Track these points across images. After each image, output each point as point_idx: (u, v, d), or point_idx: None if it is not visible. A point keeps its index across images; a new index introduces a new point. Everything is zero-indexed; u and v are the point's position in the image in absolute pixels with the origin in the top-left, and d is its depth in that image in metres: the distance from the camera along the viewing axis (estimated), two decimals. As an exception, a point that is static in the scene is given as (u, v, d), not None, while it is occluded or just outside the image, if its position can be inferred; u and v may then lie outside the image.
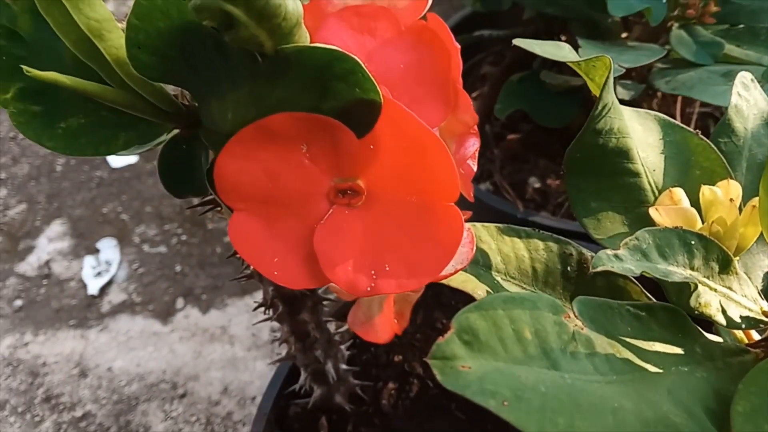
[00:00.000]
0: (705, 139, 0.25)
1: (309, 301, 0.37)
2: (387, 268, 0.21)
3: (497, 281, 0.25)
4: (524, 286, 0.26)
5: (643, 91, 0.42)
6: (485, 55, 0.68)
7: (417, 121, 0.20)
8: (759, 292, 0.22)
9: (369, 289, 0.21)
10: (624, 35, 0.45)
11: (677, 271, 0.20)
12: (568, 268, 0.26)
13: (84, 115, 0.25)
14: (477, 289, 0.24)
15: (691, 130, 0.25)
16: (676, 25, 0.41)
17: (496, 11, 0.56)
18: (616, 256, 0.20)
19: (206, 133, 0.24)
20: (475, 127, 0.25)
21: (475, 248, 0.23)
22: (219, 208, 0.32)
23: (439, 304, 0.49)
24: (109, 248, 0.89)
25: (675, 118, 0.53)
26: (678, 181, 0.24)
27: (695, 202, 0.23)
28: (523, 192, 0.55)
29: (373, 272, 0.21)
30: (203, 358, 0.78)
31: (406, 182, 0.21)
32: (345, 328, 0.42)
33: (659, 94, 0.49)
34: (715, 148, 0.25)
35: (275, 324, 0.80)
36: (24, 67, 0.20)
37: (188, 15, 0.19)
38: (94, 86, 0.22)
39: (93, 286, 0.84)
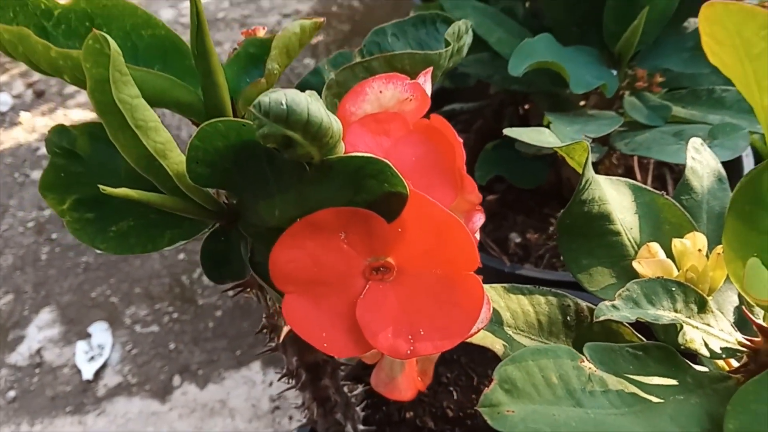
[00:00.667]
0: (670, 198, 0.29)
1: (329, 366, 0.39)
2: (422, 333, 0.24)
3: (509, 335, 0.29)
4: (532, 337, 0.29)
5: (606, 152, 0.47)
6: (456, 125, 0.74)
7: (438, 206, 0.24)
8: (732, 325, 0.26)
9: (409, 352, 0.24)
10: (582, 103, 0.51)
11: (664, 314, 0.24)
12: (568, 318, 0.29)
13: (133, 218, 0.28)
14: (495, 343, 0.27)
15: (657, 191, 0.30)
16: (627, 93, 0.47)
17: (464, 86, 0.61)
18: (614, 306, 0.24)
19: (246, 227, 0.27)
20: (480, 205, 0.29)
21: (491, 310, 0.27)
22: (248, 290, 0.35)
23: (441, 360, 0.52)
24: (100, 332, 0.89)
25: (634, 170, 0.58)
26: (652, 236, 0.29)
27: (669, 253, 0.28)
28: (507, 247, 0.59)
29: (410, 337, 0.24)
30: (204, 435, 0.78)
31: (432, 257, 0.25)
32: (359, 389, 0.45)
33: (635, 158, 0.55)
34: (678, 206, 0.29)
35: (274, 393, 0.82)
36: (100, 186, 0.23)
37: (244, 136, 0.23)
38: (155, 196, 0.25)
39: (87, 371, 0.84)
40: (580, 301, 0.30)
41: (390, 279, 0.25)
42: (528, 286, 0.30)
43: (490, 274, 0.56)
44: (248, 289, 0.34)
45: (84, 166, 0.28)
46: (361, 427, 0.44)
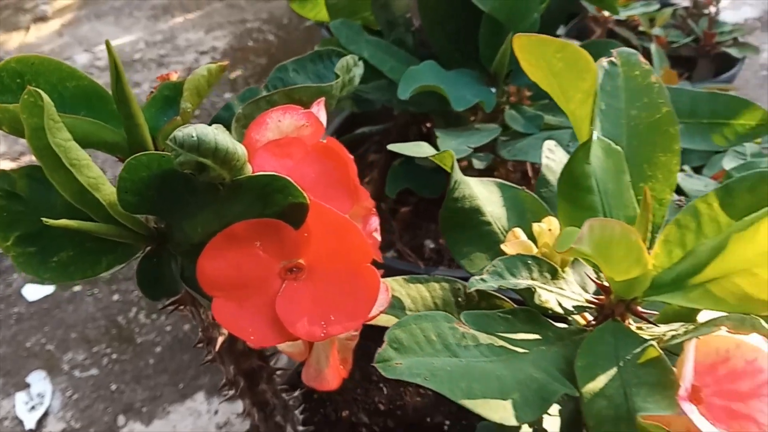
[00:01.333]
0: (530, 192, 0.36)
1: (264, 373, 0.43)
2: (332, 318, 0.29)
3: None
4: (431, 318, 0.35)
5: (492, 159, 0.54)
6: (369, 145, 0.80)
7: (334, 212, 0.29)
8: (583, 289, 0.32)
9: (322, 335, 0.29)
10: (472, 119, 0.57)
11: (522, 282, 0.29)
12: (459, 299, 0.35)
13: (72, 249, 0.32)
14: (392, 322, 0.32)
15: (519, 187, 0.36)
16: (507, 107, 0.54)
17: (371, 111, 0.67)
18: (482, 279, 0.29)
19: (175, 246, 0.32)
20: (374, 209, 0.34)
21: (390, 295, 0.32)
22: (182, 306, 0.39)
23: (371, 360, 0.57)
24: (39, 381, 0.89)
25: (528, 173, 0.66)
26: (517, 223, 0.35)
27: (531, 236, 0.34)
28: (422, 253, 0.65)
29: (323, 323, 0.29)
30: (154, 469, 0.79)
31: (335, 255, 0.30)
32: (296, 394, 0.49)
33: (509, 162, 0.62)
34: (537, 197, 0.35)
35: (220, 420, 0.84)
36: (43, 219, 0.27)
37: (164, 165, 0.27)
38: (91, 225, 0.29)
39: (29, 421, 0.84)
40: (464, 281, 0.35)
41: (302, 277, 0.30)
42: (425, 276, 0.36)
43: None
44: (183, 306, 0.38)
45: (24, 205, 0.31)
46: (300, 428, 0.48)
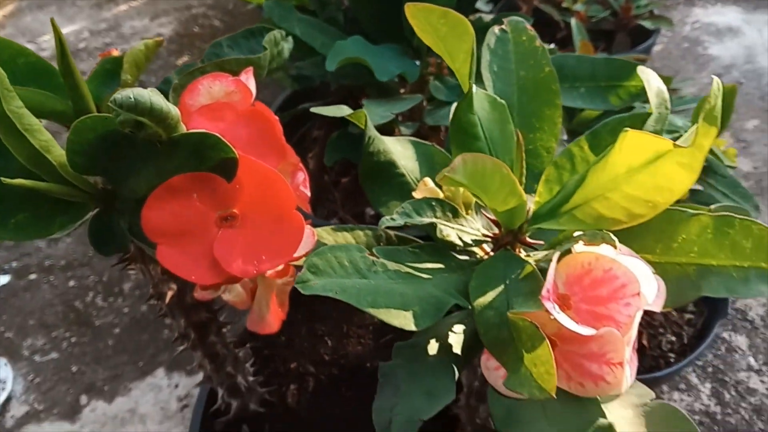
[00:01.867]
0: (439, 147, 0.41)
1: (213, 326, 0.48)
2: (263, 258, 0.34)
3: (338, 261, 0.39)
4: (356, 261, 0.39)
5: (419, 126, 0.59)
6: (312, 122, 0.84)
7: (262, 164, 0.33)
8: (481, 225, 0.38)
9: (255, 272, 0.33)
10: (402, 90, 0.62)
11: (426, 220, 0.34)
12: (381, 243, 0.40)
13: (28, 211, 0.36)
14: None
15: (429, 143, 0.41)
16: (431, 78, 0.59)
17: (310, 87, 0.72)
18: (392, 218, 0.34)
19: (122, 203, 0.36)
20: (300, 165, 0.39)
21: (317, 240, 0.36)
22: (132, 265, 0.43)
23: (318, 319, 0.61)
24: (0, 367, 0.90)
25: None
26: (428, 174, 0.40)
27: (440, 186, 0.39)
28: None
29: (255, 262, 0.33)
30: (118, 442, 0.82)
31: (264, 203, 0.34)
32: (247, 347, 0.53)
33: (442, 127, 0.67)
34: (445, 152, 0.41)
35: (181, 393, 0.87)
36: (1, 178, 0.31)
37: (108, 126, 0.31)
38: (44, 184, 0.33)
39: (-9, 406, 0.86)
40: (388, 230, 0.40)
41: (236, 224, 0.34)
42: (351, 225, 0.41)
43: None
44: (133, 263, 0.42)
45: (-20, 171, 0.34)
46: (251, 378, 0.53)
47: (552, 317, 0.30)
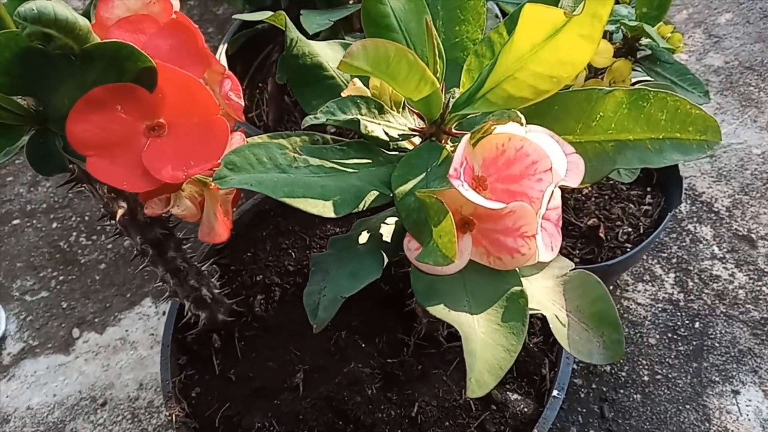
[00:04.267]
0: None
1: (171, 242, 0.49)
2: (192, 163, 0.35)
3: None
4: (294, 165, 0.41)
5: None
6: (273, 45, 0.83)
7: (180, 72, 0.34)
8: (408, 121, 0.39)
9: (184, 176, 0.34)
10: (351, 1, 0.61)
11: (349, 117, 0.35)
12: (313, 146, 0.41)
13: (-37, 136, 0.36)
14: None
15: (358, 44, 0.41)
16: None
17: (263, 6, 0.70)
18: (315, 116, 0.35)
19: (55, 123, 0.36)
20: (228, 72, 0.39)
21: (245, 140, 0.37)
22: (81, 185, 0.44)
23: (282, 232, 0.63)
24: (-8, 309, 0.94)
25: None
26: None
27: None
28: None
29: (184, 167, 0.35)
30: (112, 369, 0.87)
31: (188, 110, 0.35)
32: (209, 265, 0.55)
33: None
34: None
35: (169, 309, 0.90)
36: None
37: (22, 43, 0.32)
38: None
39: (-13, 345, 0.89)
40: (325, 135, 0.41)
41: (164, 134, 0.35)
42: (287, 132, 0.41)
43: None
44: (81, 185, 0.43)
45: None
46: (217, 291, 0.55)
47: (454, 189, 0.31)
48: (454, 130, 0.37)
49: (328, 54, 0.41)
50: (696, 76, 0.58)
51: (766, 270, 0.84)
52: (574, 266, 0.37)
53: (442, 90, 0.36)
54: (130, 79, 0.34)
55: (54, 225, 1.03)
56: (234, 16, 0.39)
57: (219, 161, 0.35)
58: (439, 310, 0.31)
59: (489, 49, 0.37)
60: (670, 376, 0.77)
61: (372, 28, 0.34)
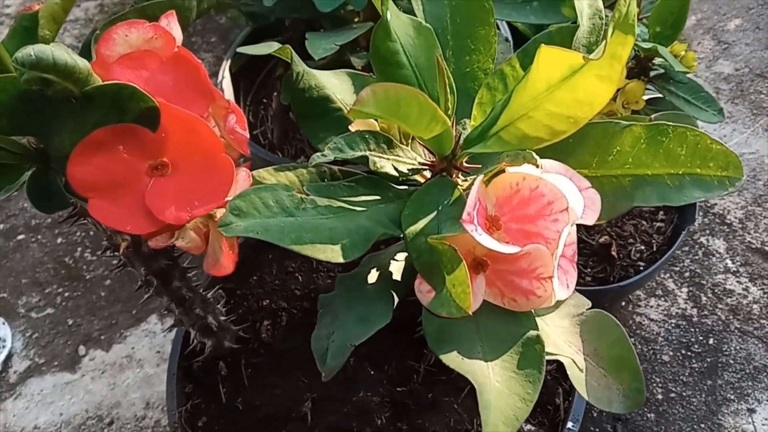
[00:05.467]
0: (374, 76, 0.40)
1: (176, 271, 0.49)
2: (196, 203, 0.34)
3: (281, 200, 0.39)
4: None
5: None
6: (276, 60, 0.82)
7: (183, 111, 0.33)
8: (418, 155, 0.38)
9: (188, 218, 0.33)
10: (356, 20, 0.60)
11: (358, 153, 0.34)
12: (325, 179, 0.40)
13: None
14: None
15: (366, 74, 0.40)
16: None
17: (268, 24, 0.69)
18: (322, 154, 0.34)
19: (56, 162, 0.36)
20: (233, 105, 0.38)
21: (251, 181, 0.36)
22: (84, 219, 0.43)
23: (288, 255, 0.62)
24: (-2, 326, 0.93)
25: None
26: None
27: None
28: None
29: (188, 208, 0.34)
30: (119, 387, 0.86)
31: (191, 149, 0.34)
32: (215, 291, 0.55)
33: None
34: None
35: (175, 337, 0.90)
36: None
37: (20, 86, 0.31)
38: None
39: (-6, 364, 0.89)
40: (333, 166, 0.40)
41: (167, 173, 0.34)
42: (293, 163, 0.40)
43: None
44: (83, 218, 0.42)
45: None
46: (223, 318, 0.54)
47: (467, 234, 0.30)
48: (465, 165, 0.36)
49: (334, 84, 0.40)
50: (710, 94, 0.57)
51: (780, 284, 0.83)
52: (590, 305, 0.36)
53: (453, 123, 0.35)
54: (133, 119, 0.33)
55: (59, 240, 1.03)
56: (238, 50, 0.38)
57: (224, 200, 0.34)
58: (452, 359, 0.30)
59: (501, 81, 0.36)
60: (684, 394, 0.76)
61: (382, 66, 0.32)
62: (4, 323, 0.94)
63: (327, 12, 0.60)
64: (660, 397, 0.76)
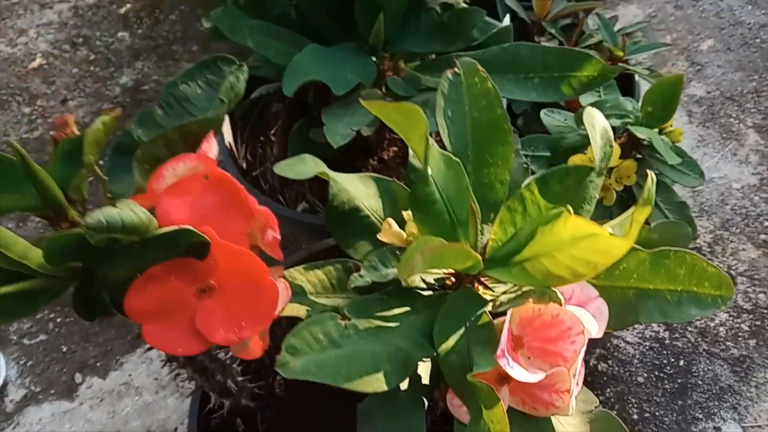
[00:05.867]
0: (399, 182, 0.43)
1: (200, 347, 0.51)
2: (243, 324, 0.36)
3: (312, 300, 0.42)
4: (328, 296, 0.42)
5: (380, 123, 0.59)
6: (271, 94, 0.83)
7: (229, 244, 0.35)
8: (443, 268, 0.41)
9: (237, 339, 0.36)
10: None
11: (391, 271, 0.37)
12: (350, 275, 0.43)
13: (14, 297, 0.37)
14: (299, 311, 0.40)
15: (390, 179, 0.43)
16: (389, 73, 0.59)
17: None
18: (360, 275, 0.37)
19: (102, 281, 0.37)
20: (270, 216, 0.40)
21: (290, 291, 0.39)
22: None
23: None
24: (-9, 355, 0.94)
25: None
26: (391, 211, 0.42)
27: (402, 223, 0.41)
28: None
29: (236, 329, 0.36)
30: (118, 415, 0.88)
31: (237, 274, 0.36)
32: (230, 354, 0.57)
33: None
34: (405, 187, 0.43)
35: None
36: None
37: (80, 236, 0.32)
38: (27, 284, 0.34)
39: (-10, 393, 0.90)
40: (354, 260, 0.43)
41: (214, 295, 0.37)
42: (321, 261, 0.43)
43: (315, 231, 0.70)
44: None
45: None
46: (240, 378, 0.57)
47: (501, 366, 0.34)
48: (488, 282, 0.40)
49: (361, 191, 0.42)
50: (692, 159, 0.61)
51: (744, 307, 0.90)
52: (598, 402, 0.40)
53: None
54: (183, 252, 0.35)
55: (48, 263, 1.03)
56: (277, 170, 0.40)
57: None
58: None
59: (521, 204, 0.39)
60: (657, 414, 0.82)
61: (418, 205, 0.35)
62: (-4, 350, 0.94)
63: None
64: (636, 417, 0.82)
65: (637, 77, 0.84)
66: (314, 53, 0.54)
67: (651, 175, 0.32)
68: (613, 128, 0.60)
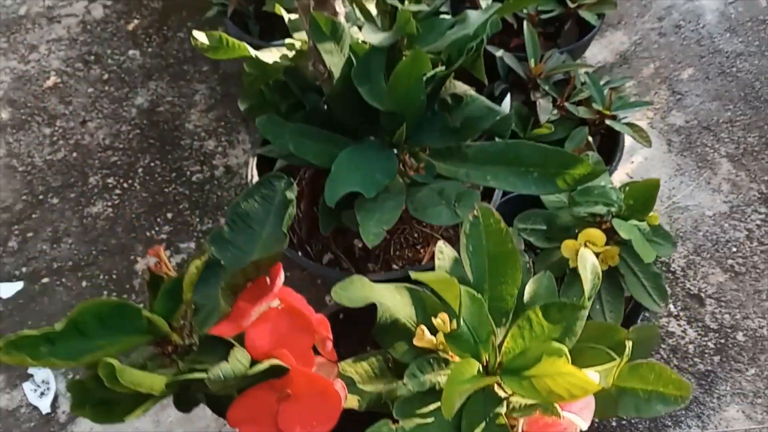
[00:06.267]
0: (428, 292, 0.53)
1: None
2: (315, 424, 0.47)
3: (360, 388, 0.52)
4: (373, 382, 0.53)
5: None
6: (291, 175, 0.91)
7: (304, 370, 0.46)
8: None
9: (311, 436, 0.47)
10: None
11: (428, 379, 0.48)
12: (389, 364, 0.54)
13: (129, 403, 0.47)
14: (353, 401, 0.51)
15: (420, 289, 0.53)
16: (410, 161, 0.68)
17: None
18: (404, 383, 0.47)
19: (197, 388, 0.48)
20: (328, 334, 0.51)
21: (346, 390, 0.50)
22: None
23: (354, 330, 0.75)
24: (39, 369, 1.04)
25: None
26: (422, 318, 0.52)
27: (433, 328, 0.52)
28: (353, 252, 0.82)
29: (309, 428, 0.47)
30: (163, 424, 0.99)
31: (309, 386, 0.47)
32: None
33: None
34: (433, 296, 0.53)
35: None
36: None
37: (200, 380, 0.43)
38: (150, 403, 0.44)
39: (44, 406, 1.00)
40: (388, 353, 0.54)
41: (292, 399, 0.47)
42: (364, 354, 0.54)
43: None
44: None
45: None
46: None
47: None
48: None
49: (398, 302, 0.53)
50: (667, 231, 0.71)
51: (711, 326, 1.02)
52: None
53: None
54: (270, 375, 0.45)
55: (84, 284, 1.12)
56: (334, 295, 0.50)
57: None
58: None
59: (528, 323, 0.49)
60: (632, 421, 0.95)
61: (454, 343, 0.46)
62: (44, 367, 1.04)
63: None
64: (614, 424, 0.95)
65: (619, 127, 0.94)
66: (348, 157, 0.63)
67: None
68: (600, 215, 0.70)
